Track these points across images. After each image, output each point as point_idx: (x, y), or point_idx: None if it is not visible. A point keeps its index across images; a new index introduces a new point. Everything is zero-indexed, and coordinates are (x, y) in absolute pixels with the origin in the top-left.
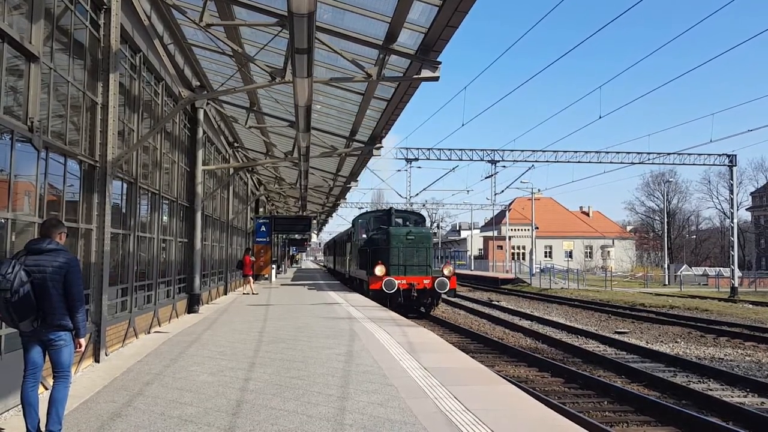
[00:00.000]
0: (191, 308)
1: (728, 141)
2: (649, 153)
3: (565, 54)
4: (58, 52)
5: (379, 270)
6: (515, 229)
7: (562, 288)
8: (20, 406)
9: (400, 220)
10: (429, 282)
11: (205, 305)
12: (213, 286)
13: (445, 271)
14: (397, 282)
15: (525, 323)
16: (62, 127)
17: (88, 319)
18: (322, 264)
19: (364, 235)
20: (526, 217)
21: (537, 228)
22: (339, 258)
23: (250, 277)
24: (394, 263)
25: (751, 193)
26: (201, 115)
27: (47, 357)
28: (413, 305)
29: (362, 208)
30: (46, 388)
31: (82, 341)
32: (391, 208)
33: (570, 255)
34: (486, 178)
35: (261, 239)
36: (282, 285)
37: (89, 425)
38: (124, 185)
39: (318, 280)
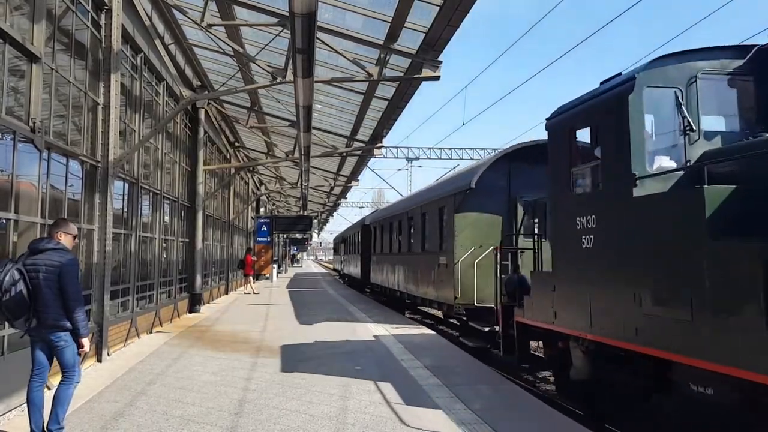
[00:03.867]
0: (192, 308)
1: None
2: None
3: (565, 53)
4: (60, 52)
5: None
6: None
7: None
8: (25, 405)
9: None
10: None
11: (207, 305)
12: (214, 286)
13: None
14: None
15: None
16: (64, 127)
17: (90, 319)
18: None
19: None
20: None
21: None
22: (402, 269)
23: (251, 277)
24: None
25: None
26: (202, 115)
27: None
28: None
29: (363, 207)
30: (49, 389)
31: (84, 341)
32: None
33: None
34: None
35: (262, 239)
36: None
37: (92, 425)
38: (126, 185)
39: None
